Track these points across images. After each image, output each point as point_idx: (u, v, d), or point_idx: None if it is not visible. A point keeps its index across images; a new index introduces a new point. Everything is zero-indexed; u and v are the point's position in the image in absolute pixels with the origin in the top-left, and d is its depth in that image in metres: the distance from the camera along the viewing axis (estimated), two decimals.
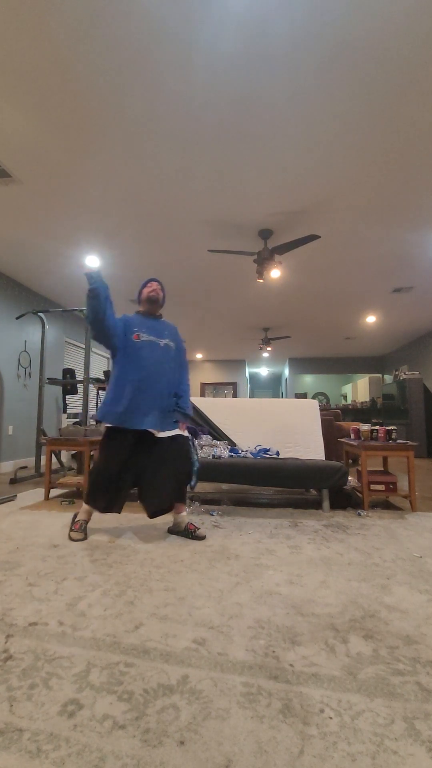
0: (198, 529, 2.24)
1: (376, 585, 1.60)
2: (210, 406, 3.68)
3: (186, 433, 2.32)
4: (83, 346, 6.84)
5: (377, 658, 1.11)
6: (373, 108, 2.36)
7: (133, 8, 1.80)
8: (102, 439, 2.23)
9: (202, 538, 2.20)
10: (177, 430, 2.28)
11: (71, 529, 2.20)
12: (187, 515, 2.33)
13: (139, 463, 2.19)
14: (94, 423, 6.07)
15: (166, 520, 2.51)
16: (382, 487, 2.95)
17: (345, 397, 12.58)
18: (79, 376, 5.92)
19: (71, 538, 2.15)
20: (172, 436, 2.24)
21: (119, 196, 3.28)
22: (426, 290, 5.55)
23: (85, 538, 2.16)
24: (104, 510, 2.18)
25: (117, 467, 2.14)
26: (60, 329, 6.32)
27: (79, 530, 2.18)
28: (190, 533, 2.22)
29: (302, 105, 2.34)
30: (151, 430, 2.18)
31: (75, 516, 2.27)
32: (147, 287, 2.40)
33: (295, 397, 10.76)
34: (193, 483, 2.28)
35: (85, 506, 2.24)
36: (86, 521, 2.24)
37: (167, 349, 2.31)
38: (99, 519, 2.55)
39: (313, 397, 12.64)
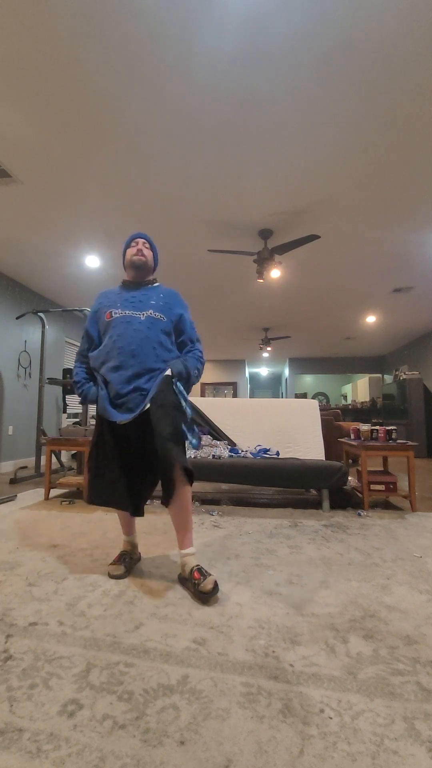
0: (206, 577, 1.46)
1: (376, 585, 1.59)
2: (210, 406, 3.68)
3: (168, 373, 1.67)
4: None
5: (377, 658, 1.11)
6: (373, 107, 2.36)
7: (133, 8, 1.80)
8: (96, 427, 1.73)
9: (207, 592, 1.42)
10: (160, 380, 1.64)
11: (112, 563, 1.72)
12: (195, 556, 1.62)
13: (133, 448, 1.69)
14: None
15: (166, 520, 2.51)
16: (382, 487, 2.95)
17: (345, 397, 12.57)
18: None
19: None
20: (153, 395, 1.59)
21: (119, 196, 3.28)
22: (426, 290, 5.55)
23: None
24: (97, 503, 1.67)
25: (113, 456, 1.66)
26: (60, 329, 6.32)
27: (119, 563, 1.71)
28: (194, 584, 1.47)
29: (302, 105, 2.34)
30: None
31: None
32: (131, 248, 1.86)
33: (295, 397, 10.76)
34: (194, 443, 1.61)
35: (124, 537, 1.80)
36: (127, 552, 1.76)
37: (152, 322, 1.71)
38: (97, 519, 2.56)
39: (313, 397, 12.64)
